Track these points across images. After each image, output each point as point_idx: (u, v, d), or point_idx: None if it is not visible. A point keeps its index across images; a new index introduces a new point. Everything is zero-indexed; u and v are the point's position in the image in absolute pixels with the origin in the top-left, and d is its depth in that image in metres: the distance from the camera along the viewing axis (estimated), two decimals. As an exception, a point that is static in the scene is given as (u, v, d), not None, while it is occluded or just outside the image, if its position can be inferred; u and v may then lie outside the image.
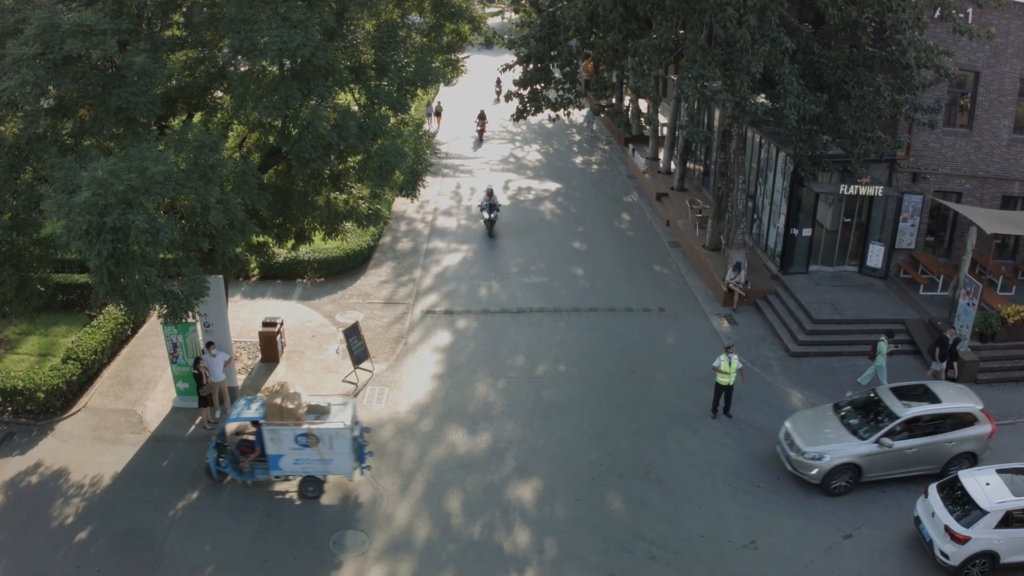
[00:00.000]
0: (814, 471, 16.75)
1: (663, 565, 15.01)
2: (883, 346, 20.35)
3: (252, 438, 16.43)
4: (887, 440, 16.75)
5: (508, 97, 32.71)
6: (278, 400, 15.78)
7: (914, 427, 17.12)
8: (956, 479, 15.33)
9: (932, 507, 15.20)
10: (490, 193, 31.19)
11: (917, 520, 15.60)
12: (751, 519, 16.20)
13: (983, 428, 17.39)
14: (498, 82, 52.13)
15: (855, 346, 22.52)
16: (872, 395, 18.07)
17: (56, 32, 13.89)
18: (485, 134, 45.61)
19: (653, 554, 15.27)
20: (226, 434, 16.88)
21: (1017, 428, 19.39)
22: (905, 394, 17.83)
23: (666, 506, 16.51)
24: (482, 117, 45.41)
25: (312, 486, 16.42)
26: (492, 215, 30.74)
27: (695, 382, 20.86)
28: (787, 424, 17.95)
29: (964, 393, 18.09)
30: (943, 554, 14.70)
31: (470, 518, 16.14)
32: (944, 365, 20.37)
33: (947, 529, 14.64)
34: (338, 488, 16.82)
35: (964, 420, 17.39)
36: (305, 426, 15.72)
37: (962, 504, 14.86)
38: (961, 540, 14.45)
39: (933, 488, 15.59)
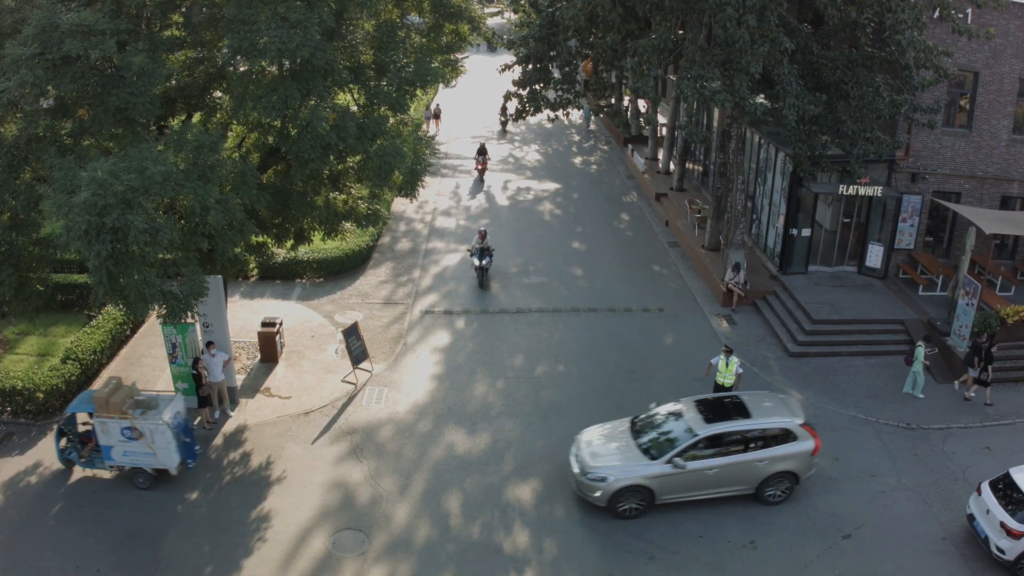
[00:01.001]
0: (597, 493, 15.71)
1: (662, 565, 15.01)
2: (920, 351, 20.11)
3: (91, 428, 16.72)
4: (680, 461, 15.58)
5: (508, 97, 32.69)
6: (106, 393, 16.08)
7: (718, 445, 15.95)
8: (1008, 475, 15.25)
9: (986, 504, 15.13)
10: (483, 236, 26.55)
11: (971, 517, 15.53)
12: (750, 519, 16.21)
13: (803, 445, 16.16)
14: (503, 109, 43.50)
15: (854, 346, 22.55)
16: (674, 409, 16.98)
17: (55, 32, 13.87)
18: (487, 172, 38.45)
19: (652, 554, 15.27)
20: (74, 422, 17.00)
21: (1017, 428, 19.41)
22: (712, 408, 16.72)
23: (665, 506, 16.51)
24: (482, 152, 38.19)
25: (142, 477, 16.62)
26: (484, 262, 26.15)
27: (694, 382, 20.86)
28: (579, 437, 16.96)
29: (783, 407, 16.91)
30: (999, 550, 14.67)
31: (469, 518, 16.14)
32: (979, 372, 20.20)
33: (1003, 525, 14.62)
34: (338, 488, 16.83)
35: (779, 437, 16.15)
36: (128, 420, 16.01)
37: (1017, 500, 14.77)
38: (1017, 536, 14.40)
39: (986, 485, 15.48)
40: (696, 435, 15.92)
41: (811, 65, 22.71)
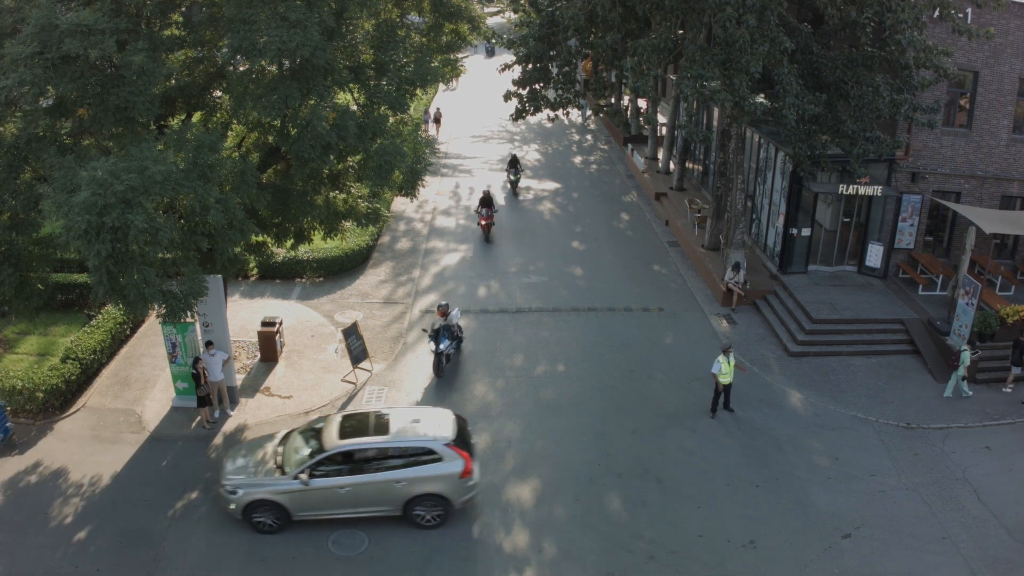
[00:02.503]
0: (232, 506, 15.15)
1: (662, 565, 15.01)
2: (966, 356, 20.05)
3: None
4: (305, 477, 14.88)
5: (507, 97, 32.70)
6: None
7: (352, 462, 15.10)
8: None
9: None
10: (444, 312, 21.43)
11: None
12: (750, 519, 16.21)
13: (448, 467, 15.03)
14: (513, 162, 36.35)
15: (854, 346, 22.54)
16: (319, 423, 16.22)
17: (54, 31, 13.85)
18: (494, 228, 31.21)
19: (652, 554, 15.28)
20: None
21: (1017, 428, 19.41)
22: (353, 423, 15.92)
23: (665, 506, 16.51)
24: (487, 203, 30.71)
25: None
26: (445, 346, 20.76)
27: (694, 382, 20.87)
28: (229, 450, 16.54)
29: (434, 425, 15.80)
30: None
31: (469, 518, 16.13)
32: (1021, 369, 20.30)
33: None
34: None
35: (421, 457, 15.13)
36: None
37: None
38: None
39: None
40: (324, 451, 15.05)
41: (811, 65, 22.71)
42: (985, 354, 21.30)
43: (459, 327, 22.13)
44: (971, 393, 20.48)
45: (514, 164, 36.40)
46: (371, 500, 15.15)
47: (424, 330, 22.28)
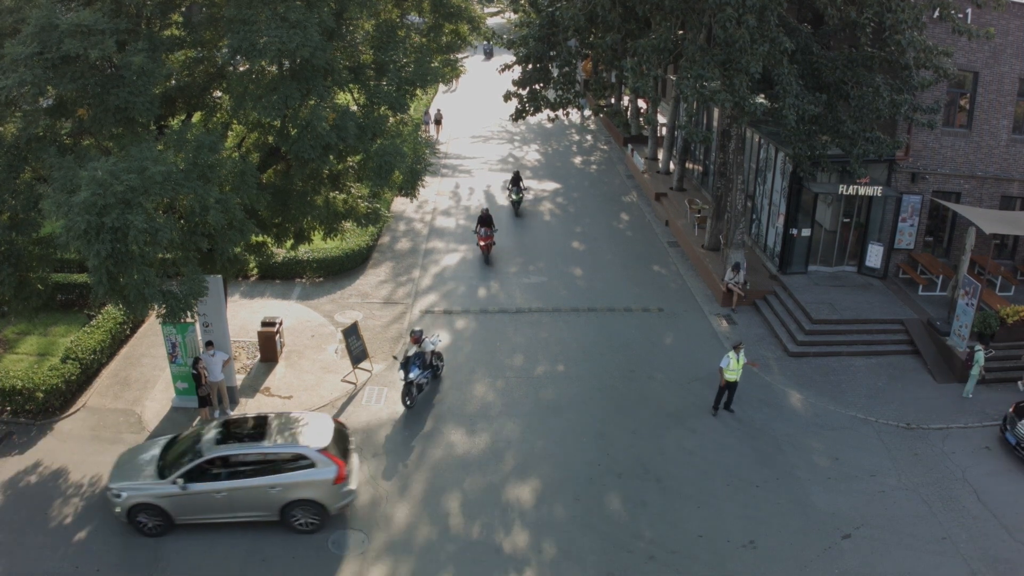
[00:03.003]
0: (117, 509, 15.19)
1: (662, 565, 15.01)
2: (980, 356, 20.08)
3: None
4: (181, 482, 14.93)
5: (507, 97, 32.72)
6: None
7: (228, 467, 15.22)
8: None
9: None
10: (416, 339, 19.87)
11: None
12: (750, 519, 16.21)
13: (321, 473, 15.07)
14: (515, 180, 33.79)
15: (854, 346, 22.55)
16: (201, 428, 16.36)
17: (54, 32, 13.86)
18: (492, 250, 29.19)
19: (652, 554, 15.28)
20: None
21: (1016, 428, 19.41)
22: (233, 429, 16.05)
23: (665, 506, 16.52)
24: (486, 222, 28.66)
25: None
26: (415, 375, 19.40)
27: (694, 382, 20.87)
28: (121, 454, 16.50)
29: (311, 432, 15.78)
30: None
31: (469, 518, 16.14)
32: None
33: None
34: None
35: (294, 463, 15.18)
36: None
37: None
38: None
39: None
40: (201, 457, 15.17)
41: (811, 65, 22.71)
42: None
43: (437, 355, 20.70)
44: (971, 396, 20.49)
45: (516, 182, 33.38)
46: (248, 505, 15.25)
47: (395, 357, 21.01)
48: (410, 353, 19.56)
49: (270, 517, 15.35)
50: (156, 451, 16.11)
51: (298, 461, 15.19)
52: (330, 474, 15.13)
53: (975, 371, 20.17)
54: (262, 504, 15.22)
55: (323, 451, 15.25)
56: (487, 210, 29.28)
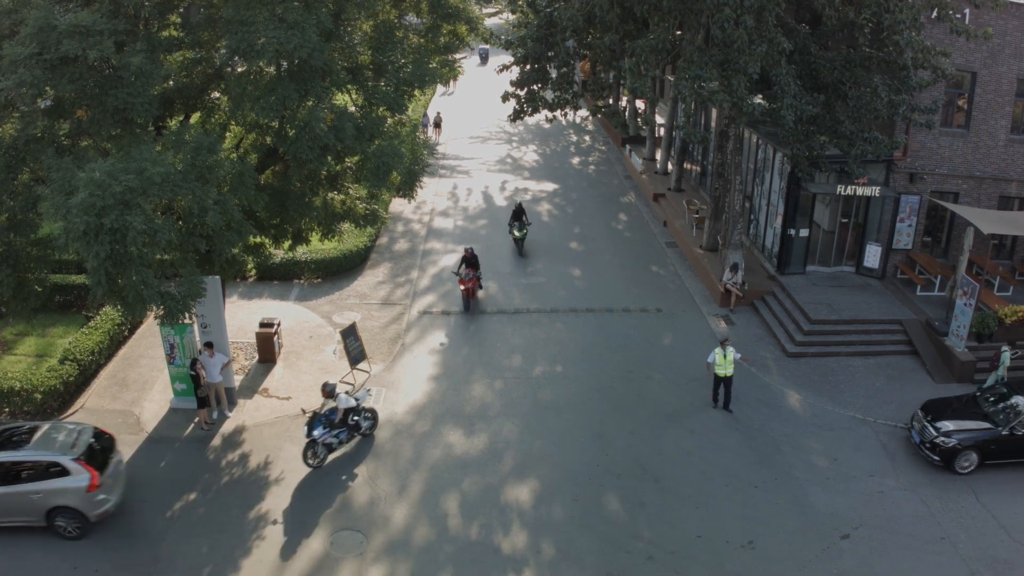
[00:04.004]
0: None
1: (660, 565, 15.02)
2: (1006, 356, 20.05)
3: None
4: None
5: (505, 98, 32.71)
6: None
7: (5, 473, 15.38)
8: None
9: None
10: (328, 393, 17.68)
11: None
12: (748, 519, 16.22)
13: (74, 481, 15.20)
14: (517, 215, 29.87)
15: (852, 347, 22.56)
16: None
17: (52, 33, 13.85)
18: (478, 295, 25.85)
19: (650, 554, 15.28)
20: None
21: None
22: (5, 435, 16.08)
23: (663, 506, 16.52)
24: (472, 263, 25.19)
25: None
26: (316, 433, 17.11)
27: (692, 382, 20.88)
28: None
29: (68, 440, 15.83)
30: None
31: (467, 519, 16.14)
32: None
33: None
34: (336, 489, 16.82)
35: (51, 471, 15.34)
36: None
37: None
38: None
39: None
40: None
41: (809, 65, 22.73)
42: (983, 354, 21.33)
43: (367, 412, 18.37)
44: None
45: (519, 216, 29.46)
46: (15, 510, 15.39)
47: (303, 410, 18.29)
48: (324, 409, 17.53)
49: (38, 523, 15.47)
50: None
51: (54, 469, 15.37)
52: (83, 482, 15.26)
53: (1000, 371, 20.10)
54: (27, 510, 15.41)
55: (77, 460, 15.39)
56: (471, 249, 25.58)
